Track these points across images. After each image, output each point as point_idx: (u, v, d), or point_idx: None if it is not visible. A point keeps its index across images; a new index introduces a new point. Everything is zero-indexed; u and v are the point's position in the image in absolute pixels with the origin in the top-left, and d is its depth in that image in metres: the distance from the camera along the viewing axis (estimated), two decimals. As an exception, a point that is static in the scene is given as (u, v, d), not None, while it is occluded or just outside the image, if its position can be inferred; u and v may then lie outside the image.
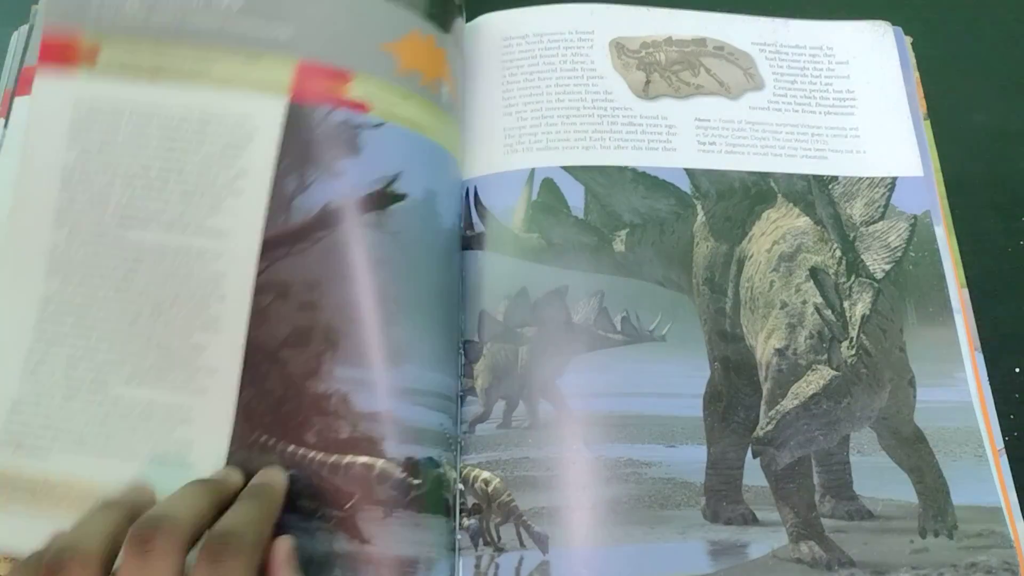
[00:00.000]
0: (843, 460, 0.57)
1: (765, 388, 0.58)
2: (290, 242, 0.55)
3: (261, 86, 0.57)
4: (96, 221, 0.55)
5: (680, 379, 0.59)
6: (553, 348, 0.59)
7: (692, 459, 0.57)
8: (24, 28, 0.66)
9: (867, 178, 0.64)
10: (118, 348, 0.53)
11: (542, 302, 0.60)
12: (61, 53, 0.58)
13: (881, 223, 0.62)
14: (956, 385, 0.59)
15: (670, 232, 0.63)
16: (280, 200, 0.55)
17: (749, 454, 0.57)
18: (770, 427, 0.57)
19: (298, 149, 0.56)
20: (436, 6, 0.62)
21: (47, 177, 0.56)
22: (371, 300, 0.54)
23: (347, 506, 0.51)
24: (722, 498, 0.56)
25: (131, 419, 0.52)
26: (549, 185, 0.63)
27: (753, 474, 0.56)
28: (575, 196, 0.63)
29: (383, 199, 0.56)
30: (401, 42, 0.59)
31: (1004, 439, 0.58)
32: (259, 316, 0.53)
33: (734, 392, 0.59)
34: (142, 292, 0.54)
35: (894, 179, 0.64)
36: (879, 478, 0.56)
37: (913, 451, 0.57)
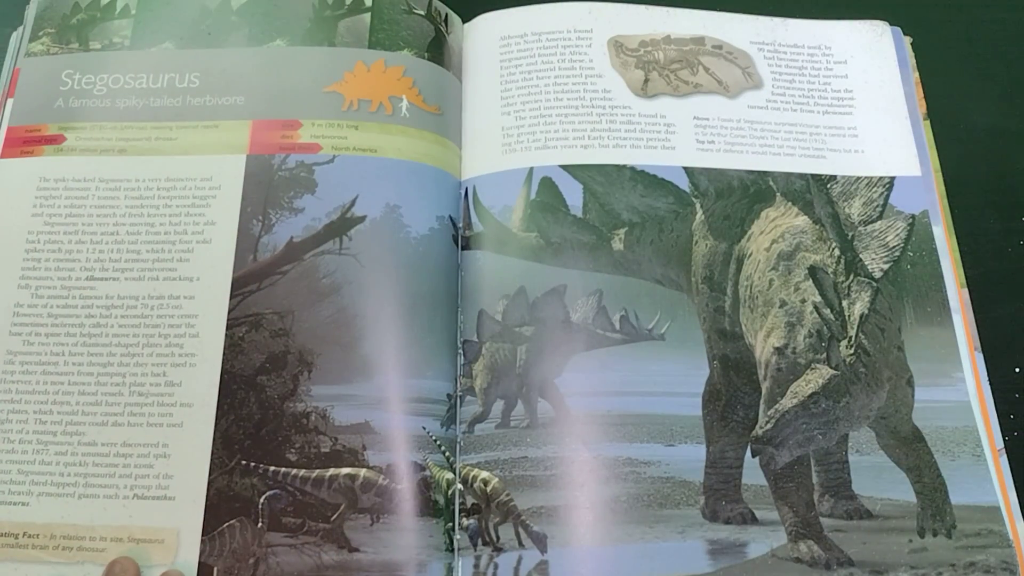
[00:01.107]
0: (842, 459, 0.57)
1: (764, 387, 0.58)
2: (259, 278, 0.58)
3: (221, 149, 0.62)
4: (63, 278, 0.58)
5: (679, 378, 0.59)
6: (552, 347, 0.59)
7: (691, 458, 0.57)
8: (20, 29, 0.67)
9: (865, 177, 0.64)
10: (91, 393, 0.55)
11: (541, 301, 0.60)
12: (26, 143, 0.62)
13: (879, 222, 0.61)
14: (954, 385, 0.59)
15: (669, 231, 0.63)
16: (247, 242, 0.59)
17: (748, 453, 0.57)
18: (769, 426, 0.57)
19: (260, 195, 0.60)
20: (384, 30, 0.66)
21: (11, 242, 0.59)
22: (341, 320, 0.57)
23: (333, 517, 0.53)
24: (721, 497, 0.56)
25: (109, 459, 0.54)
26: (548, 184, 0.63)
27: (752, 473, 0.56)
28: (574, 195, 0.63)
29: (344, 224, 0.60)
30: (344, 80, 0.64)
31: (1004, 439, 0.58)
32: (234, 348, 0.56)
33: (733, 391, 0.59)
34: (114, 339, 0.56)
35: (892, 179, 0.64)
36: (878, 477, 0.56)
37: (911, 451, 0.57)
